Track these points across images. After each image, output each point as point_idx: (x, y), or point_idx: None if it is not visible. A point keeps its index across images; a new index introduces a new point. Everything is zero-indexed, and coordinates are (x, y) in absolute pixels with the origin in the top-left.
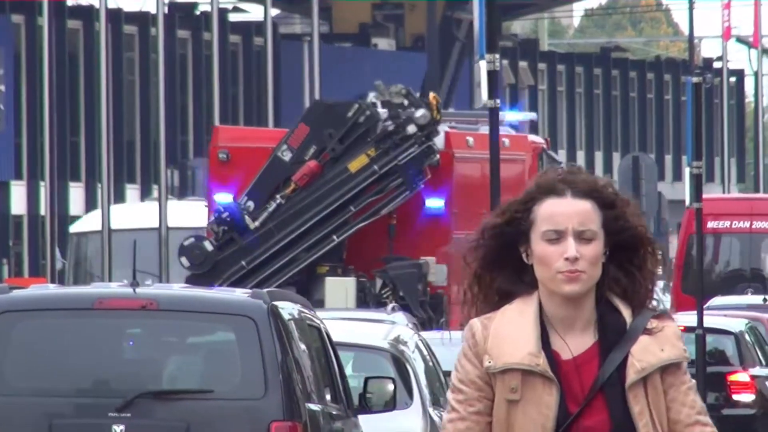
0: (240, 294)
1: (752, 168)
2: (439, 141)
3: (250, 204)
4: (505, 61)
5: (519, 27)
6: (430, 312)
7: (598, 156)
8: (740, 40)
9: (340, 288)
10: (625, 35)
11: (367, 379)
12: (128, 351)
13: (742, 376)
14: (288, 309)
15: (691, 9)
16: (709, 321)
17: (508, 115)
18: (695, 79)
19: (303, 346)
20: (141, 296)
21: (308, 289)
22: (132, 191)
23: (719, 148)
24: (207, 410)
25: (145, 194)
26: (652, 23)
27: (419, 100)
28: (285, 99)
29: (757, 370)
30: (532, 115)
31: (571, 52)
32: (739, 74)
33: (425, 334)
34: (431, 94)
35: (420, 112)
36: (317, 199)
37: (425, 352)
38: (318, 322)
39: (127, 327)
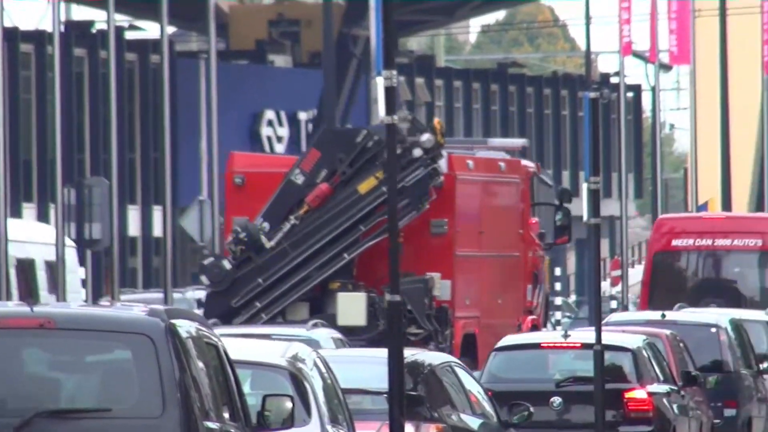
0: (137, 312)
1: (650, 183)
2: (442, 164)
3: (266, 225)
4: (401, 78)
5: (415, 43)
6: (435, 324)
7: None
8: (637, 55)
9: (351, 303)
10: (522, 51)
11: (265, 397)
12: (26, 370)
13: (639, 393)
14: (186, 327)
15: (588, 24)
16: (607, 337)
17: (497, 141)
18: (592, 95)
19: (201, 364)
20: (38, 315)
21: (321, 305)
22: (29, 210)
23: (617, 163)
24: (105, 429)
25: (41, 213)
26: (549, 39)
27: (424, 125)
28: (182, 116)
29: (655, 387)
30: (523, 141)
31: (467, 68)
32: (637, 89)
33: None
34: (435, 120)
35: (425, 137)
36: (329, 220)
37: (323, 370)
38: (215, 339)
39: (24, 346)
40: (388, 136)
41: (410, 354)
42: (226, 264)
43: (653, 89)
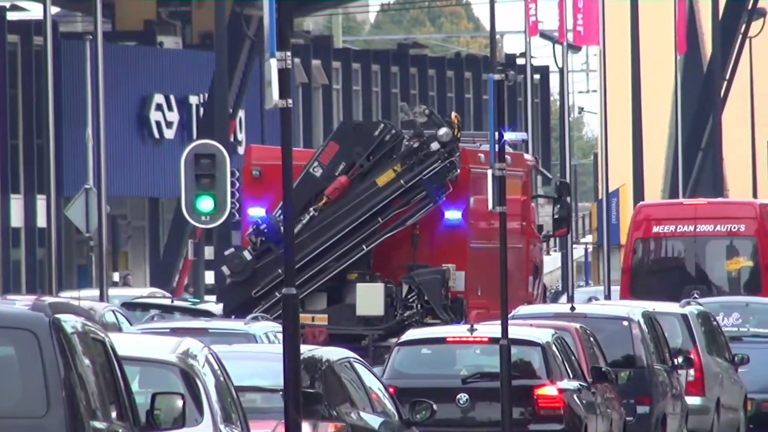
0: (20, 306)
1: (558, 169)
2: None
3: None
4: (297, 60)
5: (312, 23)
6: (451, 315)
7: None
8: (544, 35)
9: (369, 293)
10: (424, 31)
11: (154, 395)
12: None
13: (550, 390)
14: (71, 322)
15: (492, 3)
16: (515, 331)
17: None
18: (497, 77)
19: (87, 361)
20: None
21: (339, 295)
22: None
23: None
24: None
25: None
26: (451, 18)
27: (441, 119)
28: (66, 101)
29: (565, 384)
30: (524, 135)
31: (366, 49)
32: (544, 71)
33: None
34: (453, 114)
35: (443, 131)
36: (348, 212)
37: (216, 366)
38: (102, 335)
39: None
40: (283, 121)
41: (307, 349)
42: (247, 254)
43: (561, 71)
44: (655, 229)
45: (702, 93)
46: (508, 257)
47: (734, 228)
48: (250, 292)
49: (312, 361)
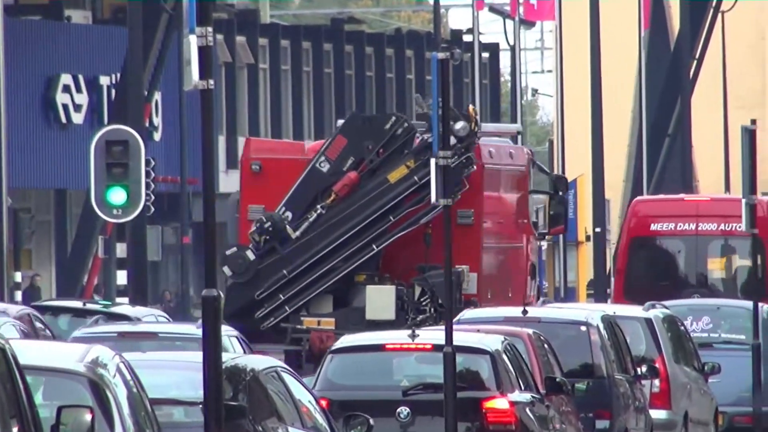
0: None
1: None
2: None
3: (288, 214)
4: (219, 36)
5: None
6: None
7: None
8: (494, 9)
9: (380, 296)
10: (360, 5)
11: (60, 409)
12: None
13: (500, 403)
14: None
15: None
16: (460, 338)
17: (491, 127)
18: (441, 55)
19: None
20: None
21: (346, 298)
22: None
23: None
24: None
25: None
26: None
27: (458, 112)
28: None
29: (517, 396)
30: (518, 127)
31: (297, 25)
32: (494, 49)
33: None
34: (470, 107)
35: (459, 124)
36: (357, 209)
37: (129, 377)
38: (2, 342)
39: None
40: (203, 104)
41: (230, 358)
42: (250, 254)
43: (513, 49)
44: (653, 227)
45: (669, 73)
46: (507, 257)
47: (739, 227)
48: (253, 294)
49: (235, 370)
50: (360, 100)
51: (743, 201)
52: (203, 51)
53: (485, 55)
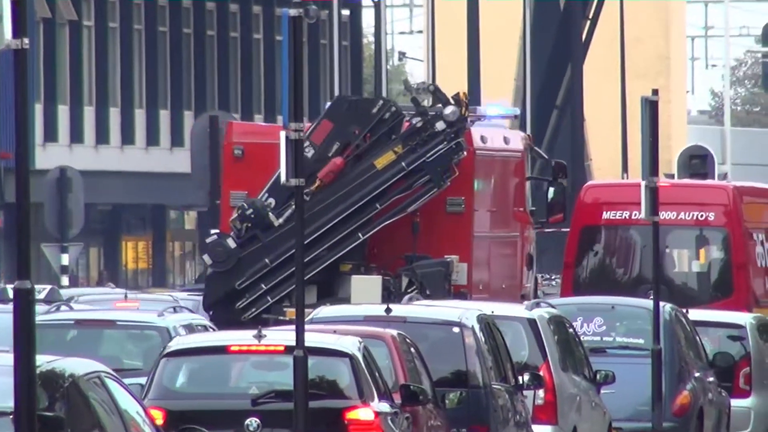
0: None
1: None
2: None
3: (271, 201)
4: None
5: None
6: None
7: (164, 116)
8: None
9: (366, 286)
10: None
11: None
12: None
13: (364, 413)
14: None
15: None
16: (314, 339)
17: (489, 110)
18: (293, 12)
19: None
20: None
21: (332, 288)
22: None
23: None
24: None
25: None
26: None
27: (447, 96)
28: None
29: (381, 406)
30: (516, 111)
31: None
32: (355, 5)
33: None
34: (461, 91)
35: (449, 109)
36: (343, 196)
37: None
38: None
39: None
40: (17, 65)
41: (45, 361)
42: (230, 242)
43: (377, 5)
44: (606, 215)
45: (558, 35)
46: (501, 247)
47: (702, 216)
48: (234, 284)
49: (51, 376)
50: (199, 62)
51: (642, 184)
52: (17, 5)
53: (345, 12)
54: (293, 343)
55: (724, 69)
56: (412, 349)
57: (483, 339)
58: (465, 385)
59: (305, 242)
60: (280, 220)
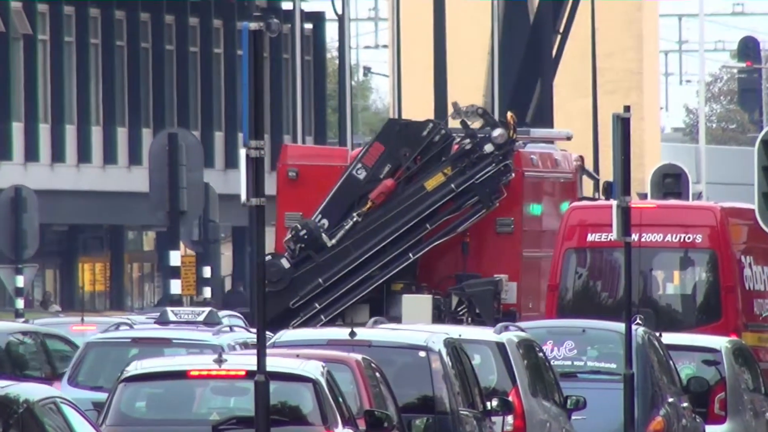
0: None
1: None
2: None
3: (324, 222)
4: None
5: None
6: None
7: (122, 133)
8: None
9: (417, 305)
10: None
11: None
12: None
13: None
14: None
15: None
16: (277, 363)
17: (541, 132)
18: (254, 25)
19: None
20: None
21: (384, 307)
22: None
23: (290, 121)
24: None
25: None
26: None
27: (495, 119)
28: None
29: (341, 431)
30: (568, 132)
31: None
32: (318, 19)
33: None
34: (509, 114)
35: (497, 132)
36: (394, 217)
37: None
38: None
39: None
40: None
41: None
42: (284, 262)
43: (341, 19)
44: (590, 238)
45: (528, 50)
46: (549, 267)
47: (689, 238)
48: (288, 303)
49: (6, 401)
50: (158, 78)
51: (614, 204)
52: None
53: (308, 26)
54: (254, 368)
55: (699, 85)
56: (377, 374)
57: (450, 363)
58: (432, 411)
59: (358, 262)
60: (333, 241)
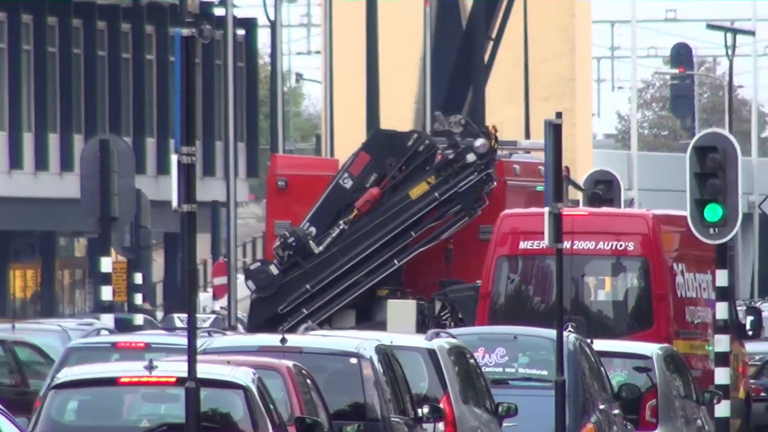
0: None
1: (269, 156)
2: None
3: (312, 229)
4: None
5: None
6: None
7: (53, 139)
8: None
9: (401, 310)
10: None
11: None
12: None
13: None
14: None
15: None
16: (208, 370)
17: (526, 143)
18: (186, 31)
19: None
20: None
21: (369, 312)
22: None
23: (222, 128)
24: None
25: None
26: None
27: (478, 129)
28: None
29: None
30: None
31: None
32: (251, 25)
33: None
34: (491, 124)
35: (479, 141)
36: (379, 225)
37: None
38: None
39: None
40: None
41: None
42: (273, 269)
43: (273, 25)
44: (522, 245)
45: (459, 56)
46: None
47: (620, 246)
48: (277, 309)
49: None
50: (89, 84)
51: (546, 210)
52: None
53: (240, 32)
54: (185, 375)
55: (631, 91)
56: (309, 381)
57: (381, 370)
58: (363, 418)
59: (344, 269)
60: (321, 248)
